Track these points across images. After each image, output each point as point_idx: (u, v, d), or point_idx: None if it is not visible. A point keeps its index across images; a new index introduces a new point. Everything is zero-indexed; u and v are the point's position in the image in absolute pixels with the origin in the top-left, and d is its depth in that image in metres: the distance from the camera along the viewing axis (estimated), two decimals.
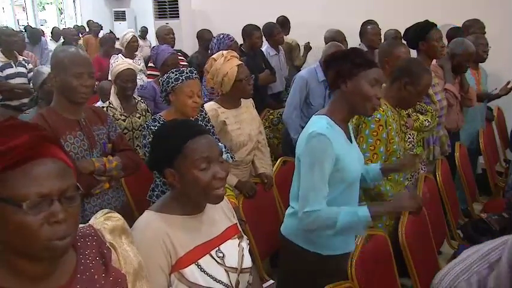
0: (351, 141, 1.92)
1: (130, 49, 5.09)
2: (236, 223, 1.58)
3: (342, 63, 1.81)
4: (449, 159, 3.23)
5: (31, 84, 2.97)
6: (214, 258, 1.41)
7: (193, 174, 1.34)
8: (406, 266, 2.19)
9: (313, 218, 1.75)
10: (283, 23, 5.58)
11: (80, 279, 1.00)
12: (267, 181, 2.76)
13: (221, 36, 3.86)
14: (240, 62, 2.66)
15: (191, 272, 1.35)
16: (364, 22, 4.73)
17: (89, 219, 1.16)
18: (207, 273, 1.37)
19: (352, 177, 1.88)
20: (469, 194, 3.34)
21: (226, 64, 2.60)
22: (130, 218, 1.76)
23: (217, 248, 1.44)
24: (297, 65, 5.46)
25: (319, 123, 1.81)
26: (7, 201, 0.86)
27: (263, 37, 4.85)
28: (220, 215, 1.53)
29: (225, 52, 2.69)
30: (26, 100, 4.26)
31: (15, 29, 7.91)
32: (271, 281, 2.43)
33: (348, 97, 1.82)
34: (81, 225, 1.07)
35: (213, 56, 2.73)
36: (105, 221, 1.13)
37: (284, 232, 2.00)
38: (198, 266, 1.37)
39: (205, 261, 1.39)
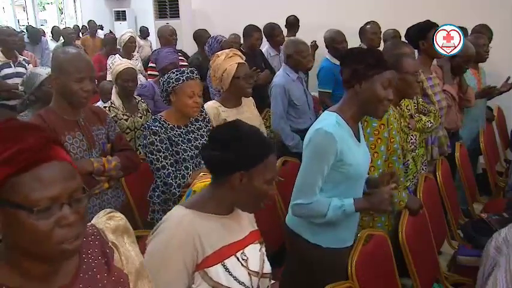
0: (359, 141, 1.94)
1: (128, 50, 5.09)
2: (257, 229, 1.62)
3: (358, 63, 1.84)
4: (450, 159, 3.23)
5: (20, 87, 2.82)
6: (239, 260, 1.44)
7: (261, 186, 1.40)
8: (406, 266, 2.19)
9: (304, 210, 1.88)
10: (293, 23, 5.55)
11: (83, 279, 1.00)
12: None
13: (210, 41, 3.95)
14: (242, 61, 2.70)
15: (216, 271, 1.37)
16: (365, 23, 4.73)
17: (89, 219, 1.15)
18: (231, 274, 1.39)
19: (357, 175, 1.91)
20: (469, 194, 3.34)
21: (227, 61, 2.66)
22: (131, 218, 1.76)
23: (242, 251, 1.47)
24: (309, 67, 5.38)
25: (329, 120, 1.86)
26: (19, 206, 0.85)
27: (264, 37, 4.85)
28: (245, 219, 1.55)
29: (228, 50, 2.76)
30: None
31: (16, 29, 7.94)
32: (272, 281, 2.42)
33: (361, 98, 1.85)
34: None
35: (218, 52, 2.79)
36: (107, 221, 1.13)
37: (288, 223, 2.06)
38: (224, 266, 1.39)
39: (231, 262, 1.42)
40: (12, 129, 0.90)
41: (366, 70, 1.81)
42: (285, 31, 5.33)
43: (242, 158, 1.38)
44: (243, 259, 1.45)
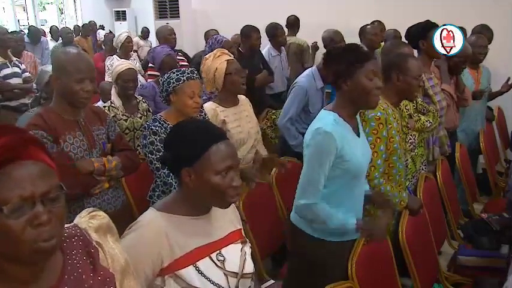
0: (359, 136, 1.98)
1: (125, 50, 5.08)
2: (241, 228, 1.58)
3: (338, 63, 1.88)
4: (450, 159, 3.23)
5: (34, 84, 2.97)
6: (213, 261, 1.41)
7: (212, 179, 1.34)
8: (406, 266, 2.19)
9: (308, 210, 1.92)
10: (293, 23, 5.55)
11: (68, 280, 0.99)
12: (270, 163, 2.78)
13: (210, 42, 3.97)
14: (230, 58, 2.71)
15: (188, 273, 1.35)
16: (367, 23, 4.74)
17: None
18: (204, 276, 1.37)
19: (356, 170, 1.93)
20: (469, 194, 3.34)
21: (216, 60, 2.68)
22: (131, 218, 1.76)
23: (218, 251, 1.43)
24: (308, 67, 5.38)
25: (326, 119, 1.90)
26: None
27: (267, 37, 4.85)
28: (225, 218, 1.52)
29: (215, 51, 2.77)
30: (25, 100, 4.27)
31: (15, 29, 7.94)
32: (272, 281, 2.42)
33: (351, 95, 1.89)
34: (66, 225, 1.06)
35: (205, 55, 2.82)
36: (90, 220, 1.11)
37: (292, 219, 2.08)
38: (196, 267, 1.37)
39: (204, 264, 1.38)
40: None
41: (347, 68, 1.85)
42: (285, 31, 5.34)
43: (179, 154, 1.38)
44: (218, 260, 1.42)
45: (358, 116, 2.03)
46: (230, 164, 1.36)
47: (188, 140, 1.38)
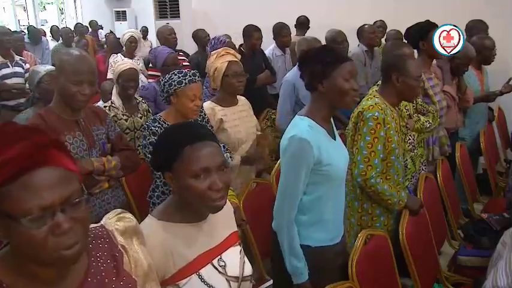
0: (335, 139, 1.91)
1: (128, 49, 5.09)
2: (237, 231, 1.55)
3: (314, 64, 1.82)
4: (450, 159, 3.23)
5: (27, 84, 2.96)
6: (216, 268, 1.38)
7: (188, 182, 1.28)
8: (406, 266, 2.19)
9: (283, 231, 1.87)
10: (302, 24, 5.56)
11: (91, 283, 0.98)
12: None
13: (212, 42, 3.95)
14: (233, 59, 2.72)
15: (190, 282, 1.32)
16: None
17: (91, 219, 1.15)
18: (207, 284, 1.34)
19: (338, 175, 1.89)
20: (469, 194, 3.33)
21: (218, 59, 2.70)
22: None
23: (219, 257, 1.40)
24: None
25: (301, 125, 1.83)
26: (9, 216, 0.83)
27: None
28: (224, 221, 1.48)
29: (220, 49, 2.79)
30: (22, 100, 4.27)
31: (16, 29, 7.94)
32: (272, 281, 2.42)
33: (327, 96, 1.83)
34: (93, 225, 1.06)
35: (212, 52, 2.85)
36: (117, 222, 1.10)
37: (274, 226, 2.00)
38: (199, 276, 1.34)
39: (207, 271, 1.36)
40: (1, 136, 0.86)
41: (324, 69, 1.80)
42: (293, 30, 5.31)
43: (159, 158, 1.37)
44: (220, 266, 1.38)
45: (332, 120, 1.95)
46: (206, 166, 1.28)
47: (165, 144, 1.37)
